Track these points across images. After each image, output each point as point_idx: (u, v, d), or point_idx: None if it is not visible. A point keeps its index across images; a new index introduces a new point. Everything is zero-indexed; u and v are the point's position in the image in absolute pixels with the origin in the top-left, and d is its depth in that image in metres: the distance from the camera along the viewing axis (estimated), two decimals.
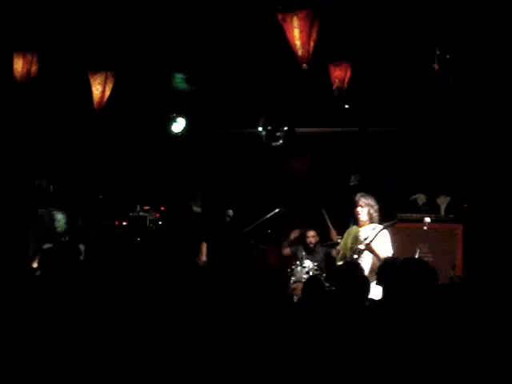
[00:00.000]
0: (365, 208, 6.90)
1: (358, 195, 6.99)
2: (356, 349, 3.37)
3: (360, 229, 6.90)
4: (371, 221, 6.88)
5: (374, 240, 6.58)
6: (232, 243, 8.42)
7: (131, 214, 10.02)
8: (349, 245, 6.93)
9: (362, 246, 6.60)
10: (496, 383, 3.09)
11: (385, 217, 8.34)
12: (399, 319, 3.59)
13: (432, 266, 4.03)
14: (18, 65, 7.09)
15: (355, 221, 7.00)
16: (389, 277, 4.36)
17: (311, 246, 8.71)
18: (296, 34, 6.12)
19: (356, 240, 6.82)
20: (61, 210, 8.15)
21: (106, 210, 9.97)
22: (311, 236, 8.75)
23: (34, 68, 7.12)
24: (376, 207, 6.91)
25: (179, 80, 8.78)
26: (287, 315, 3.86)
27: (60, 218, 8.02)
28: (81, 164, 9.98)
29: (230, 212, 9.10)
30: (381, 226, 6.77)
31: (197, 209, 9.47)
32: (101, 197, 10.18)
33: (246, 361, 3.29)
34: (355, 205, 6.93)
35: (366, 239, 6.63)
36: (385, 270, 4.84)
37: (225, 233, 8.68)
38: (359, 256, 6.61)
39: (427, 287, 3.83)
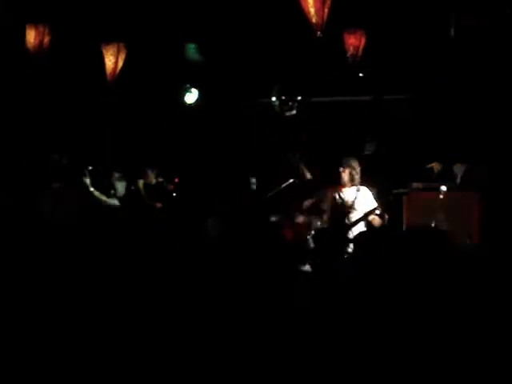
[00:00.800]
0: (347, 169, 7.20)
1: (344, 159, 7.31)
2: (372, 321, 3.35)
3: (342, 189, 7.22)
4: (353, 183, 7.20)
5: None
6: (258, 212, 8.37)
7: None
8: (328, 204, 7.33)
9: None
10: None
11: (398, 185, 8.37)
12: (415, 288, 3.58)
13: (444, 232, 4.01)
14: (31, 36, 7.08)
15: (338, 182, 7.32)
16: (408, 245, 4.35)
17: None
18: (310, 1, 6.06)
19: (342, 203, 7.22)
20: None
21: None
22: None
23: (46, 39, 7.11)
24: (358, 169, 7.23)
25: (192, 50, 8.74)
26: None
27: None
28: (94, 137, 9.97)
29: (254, 180, 9.11)
30: (364, 188, 7.14)
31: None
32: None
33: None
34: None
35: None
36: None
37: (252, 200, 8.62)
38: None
39: (444, 254, 3.82)
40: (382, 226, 7.18)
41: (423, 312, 3.29)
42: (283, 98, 9.53)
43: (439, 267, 3.62)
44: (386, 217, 7.27)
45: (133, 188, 8.93)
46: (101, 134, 10.00)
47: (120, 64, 7.60)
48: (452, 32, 6.41)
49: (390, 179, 9.07)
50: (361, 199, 7.16)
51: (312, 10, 6.07)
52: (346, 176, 7.23)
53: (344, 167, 7.22)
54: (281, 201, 8.74)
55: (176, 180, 10.06)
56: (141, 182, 8.99)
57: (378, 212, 7.21)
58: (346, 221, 7.19)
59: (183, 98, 9.57)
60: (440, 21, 6.63)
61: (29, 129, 9.62)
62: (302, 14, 6.10)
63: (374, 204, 7.17)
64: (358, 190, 7.17)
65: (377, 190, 8.90)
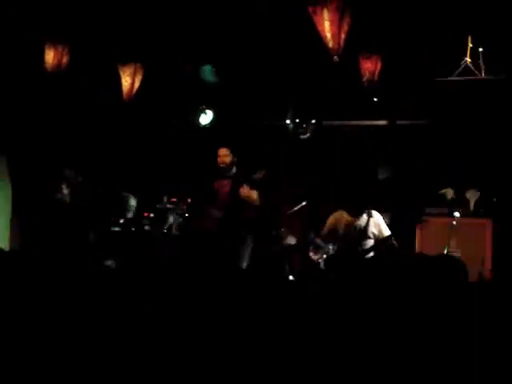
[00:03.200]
0: None
1: None
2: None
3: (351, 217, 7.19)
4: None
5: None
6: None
7: (158, 205, 10.05)
8: (341, 231, 7.23)
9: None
10: None
11: (411, 211, 8.37)
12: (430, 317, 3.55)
13: (462, 262, 3.99)
14: (50, 56, 7.16)
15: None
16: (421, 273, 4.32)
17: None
18: (326, 26, 6.10)
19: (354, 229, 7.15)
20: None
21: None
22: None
23: (64, 59, 7.19)
24: None
25: (208, 72, 8.78)
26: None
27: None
28: (109, 156, 10.03)
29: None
30: (376, 213, 7.10)
31: None
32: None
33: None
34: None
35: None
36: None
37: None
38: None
39: (457, 285, 3.79)
40: (394, 252, 7.16)
41: (435, 340, 3.28)
42: (297, 120, 9.57)
43: (453, 296, 3.60)
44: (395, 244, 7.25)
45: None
46: (115, 154, 10.05)
47: (137, 84, 7.66)
48: (468, 56, 6.42)
49: (403, 205, 9.07)
50: (372, 225, 7.13)
51: (328, 35, 6.11)
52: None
53: None
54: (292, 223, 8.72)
55: (189, 200, 10.08)
56: None
57: (392, 240, 7.16)
58: (359, 247, 7.14)
59: (198, 119, 9.61)
60: (455, 46, 6.63)
61: (44, 146, 9.68)
62: (319, 38, 6.14)
63: (387, 231, 7.10)
64: (369, 216, 7.12)
65: (390, 215, 8.91)
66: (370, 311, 3.59)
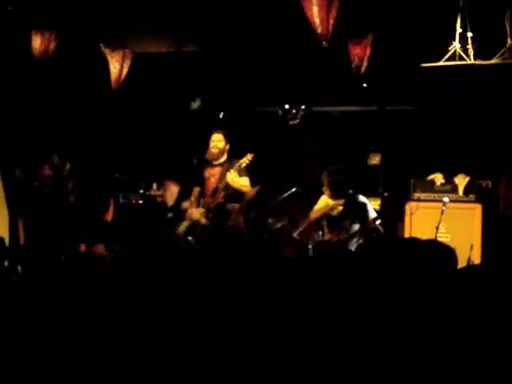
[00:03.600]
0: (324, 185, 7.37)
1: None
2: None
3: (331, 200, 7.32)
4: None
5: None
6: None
7: (147, 192, 10.05)
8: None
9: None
10: None
11: (402, 197, 8.39)
12: (419, 302, 3.56)
13: (452, 248, 4.00)
14: (37, 42, 7.11)
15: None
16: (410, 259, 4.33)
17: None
18: (315, 11, 6.08)
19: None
20: None
21: (123, 188, 10.01)
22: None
23: (52, 46, 7.14)
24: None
25: (197, 58, 8.77)
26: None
27: None
28: (98, 142, 9.99)
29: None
30: (361, 196, 7.25)
31: None
32: (117, 175, 10.21)
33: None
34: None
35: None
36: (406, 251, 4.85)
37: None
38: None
39: (448, 271, 3.80)
40: (381, 236, 7.22)
41: (423, 328, 3.28)
42: (287, 106, 9.56)
43: (443, 283, 3.60)
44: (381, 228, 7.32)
45: None
46: (104, 141, 10.02)
47: (125, 71, 7.61)
48: (456, 41, 6.42)
49: (393, 190, 9.10)
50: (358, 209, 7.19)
51: (317, 21, 6.09)
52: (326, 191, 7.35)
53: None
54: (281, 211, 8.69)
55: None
56: None
57: (378, 222, 7.23)
58: (344, 232, 7.18)
59: (188, 105, 9.58)
60: (445, 31, 6.63)
61: (29, 133, 9.64)
62: (308, 23, 6.12)
63: (373, 214, 7.19)
64: (355, 200, 7.19)
65: (381, 200, 8.95)
66: (359, 300, 3.60)
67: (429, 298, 3.51)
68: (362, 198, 7.33)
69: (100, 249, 7.32)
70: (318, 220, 7.68)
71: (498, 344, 3.04)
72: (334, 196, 7.31)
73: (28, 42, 7.18)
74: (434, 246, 4.25)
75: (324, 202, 7.45)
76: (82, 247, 7.77)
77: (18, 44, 7.51)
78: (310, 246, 7.97)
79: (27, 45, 7.19)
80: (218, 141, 7.35)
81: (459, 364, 2.99)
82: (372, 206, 7.74)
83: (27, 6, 6.94)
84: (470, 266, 5.16)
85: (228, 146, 7.38)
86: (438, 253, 3.91)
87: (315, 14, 6.10)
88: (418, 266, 3.90)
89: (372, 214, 7.25)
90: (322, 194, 7.81)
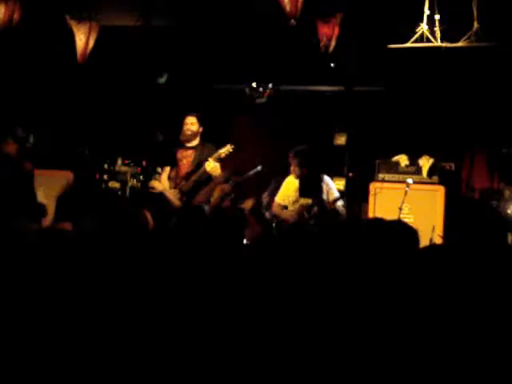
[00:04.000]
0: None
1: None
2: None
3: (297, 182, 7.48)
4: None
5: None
6: None
7: (112, 168, 9.98)
8: (293, 198, 7.53)
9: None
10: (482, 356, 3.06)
11: (367, 178, 8.44)
12: (383, 282, 3.58)
13: (414, 228, 4.03)
14: (0, 12, 6.98)
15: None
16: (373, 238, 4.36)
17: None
18: None
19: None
20: None
21: (89, 164, 9.91)
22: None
23: (16, 15, 7.01)
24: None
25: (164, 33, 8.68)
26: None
27: None
28: (62, 116, 9.87)
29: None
30: (326, 177, 7.45)
31: None
32: (81, 150, 10.10)
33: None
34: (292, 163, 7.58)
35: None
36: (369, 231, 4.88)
37: None
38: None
39: (409, 250, 3.83)
40: (342, 216, 7.30)
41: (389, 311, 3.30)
42: (254, 85, 9.53)
43: (408, 264, 3.63)
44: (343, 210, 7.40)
45: None
46: (68, 114, 9.90)
47: (91, 44, 7.50)
48: (425, 22, 6.44)
49: (358, 170, 9.15)
50: (324, 190, 7.25)
51: None
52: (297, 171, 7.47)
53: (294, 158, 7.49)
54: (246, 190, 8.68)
55: (144, 163, 10.02)
56: None
57: (340, 203, 7.31)
58: (305, 213, 7.26)
59: (154, 79, 9.50)
60: (413, 13, 6.65)
61: None
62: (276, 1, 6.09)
63: (335, 194, 7.26)
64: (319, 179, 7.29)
65: (345, 180, 8.98)
66: (320, 281, 3.61)
67: (391, 277, 3.54)
68: (327, 179, 7.39)
69: (67, 225, 7.23)
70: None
71: (458, 321, 3.09)
72: (300, 176, 7.36)
73: None
74: (396, 226, 4.29)
75: (290, 184, 7.52)
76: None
77: None
78: (273, 224, 8.02)
79: None
80: (191, 124, 7.45)
81: (422, 343, 3.03)
82: (336, 187, 7.79)
83: None
84: (431, 246, 5.22)
85: (201, 129, 7.47)
86: (401, 233, 3.95)
87: None
88: (380, 245, 3.93)
89: (334, 195, 7.30)
90: (287, 174, 7.84)
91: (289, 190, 7.68)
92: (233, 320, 3.21)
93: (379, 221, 4.99)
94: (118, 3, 8.28)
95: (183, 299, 3.36)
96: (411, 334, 3.06)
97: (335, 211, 7.19)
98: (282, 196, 7.77)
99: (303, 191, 7.30)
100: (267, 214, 8.07)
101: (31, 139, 9.84)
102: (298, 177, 7.49)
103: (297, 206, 7.43)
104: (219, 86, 9.88)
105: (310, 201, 7.36)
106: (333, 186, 7.47)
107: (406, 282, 3.44)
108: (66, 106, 9.79)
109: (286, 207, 7.72)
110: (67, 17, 7.45)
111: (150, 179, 8.67)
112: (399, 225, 4.45)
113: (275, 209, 7.75)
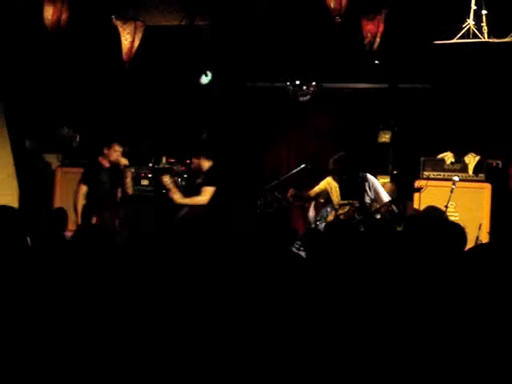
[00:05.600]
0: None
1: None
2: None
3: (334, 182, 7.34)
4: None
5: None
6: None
7: (156, 166, 10.05)
8: (336, 201, 7.34)
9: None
10: None
11: (412, 175, 8.37)
12: (428, 281, 3.54)
13: (461, 227, 3.99)
14: (49, 12, 7.09)
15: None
16: (416, 235, 4.32)
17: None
18: None
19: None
20: None
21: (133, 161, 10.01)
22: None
23: (64, 16, 7.11)
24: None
25: (208, 32, 8.73)
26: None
27: None
28: (108, 115, 9.99)
29: None
30: (370, 176, 7.21)
31: None
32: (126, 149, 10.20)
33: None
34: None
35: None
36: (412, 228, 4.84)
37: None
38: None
39: (457, 249, 3.79)
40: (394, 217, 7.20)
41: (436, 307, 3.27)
42: (298, 82, 9.51)
43: (453, 261, 3.59)
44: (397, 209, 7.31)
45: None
46: (114, 114, 10.02)
47: (136, 43, 7.58)
48: (471, 18, 6.35)
49: (403, 168, 9.08)
50: (368, 189, 7.17)
51: None
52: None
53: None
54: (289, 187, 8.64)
55: (187, 161, 10.07)
56: None
57: (393, 206, 7.22)
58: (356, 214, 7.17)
59: (198, 79, 9.54)
60: (460, 9, 6.56)
61: (39, 105, 9.66)
62: None
63: (386, 197, 7.14)
64: (364, 180, 7.18)
65: (390, 178, 8.91)
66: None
67: (439, 277, 3.51)
68: (372, 179, 7.29)
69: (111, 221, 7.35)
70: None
71: (505, 322, 3.05)
72: (341, 182, 7.30)
73: (40, 13, 7.16)
74: (444, 224, 4.26)
75: (327, 182, 7.48)
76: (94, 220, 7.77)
77: (29, 14, 7.49)
78: (318, 223, 7.99)
79: (39, 15, 7.17)
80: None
81: (466, 343, 3.00)
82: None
83: None
84: (478, 246, 5.16)
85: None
86: (449, 231, 3.92)
87: None
88: (428, 244, 3.90)
89: (380, 193, 7.21)
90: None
91: (330, 190, 7.55)
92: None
93: (431, 219, 4.94)
94: (162, 3, 8.33)
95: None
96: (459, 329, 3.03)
97: (393, 212, 7.10)
98: (317, 189, 7.68)
99: (345, 194, 7.22)
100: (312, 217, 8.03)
101: (77, 139, 10.02)
102: (338, 182, 7.42)
103: (345, 209, 7.31)
104: (262, 84, 9.88)
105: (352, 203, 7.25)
106: (377, 183, 7.39)
107: (454, 281, 3.41)
108: (111, 105, 9.91)
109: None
110: (113, 17, 7.52)
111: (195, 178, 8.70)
112: (448, 224, 4.41)
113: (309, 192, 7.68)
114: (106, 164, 7.90)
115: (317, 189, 7.58)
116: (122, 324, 3.18)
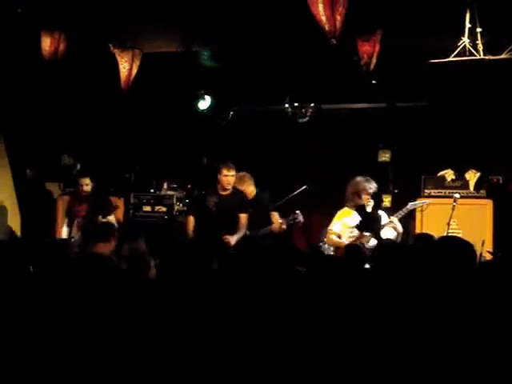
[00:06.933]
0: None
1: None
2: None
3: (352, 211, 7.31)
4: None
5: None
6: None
7: (158, 192, 10.07)
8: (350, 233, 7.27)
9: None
10: None
11: (413, 194, 8.36)
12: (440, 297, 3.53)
13: (471, 244, 4.00)
14: (46, 43, 7.13)
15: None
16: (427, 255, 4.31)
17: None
18: (320, 8, 6.03)
19: None
20: None
21: (134, 188, 10.04)
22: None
23: (61, 46, 7.15)
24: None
25: (205, 57, 8.76)
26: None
27: None
28: (108, 142, 10.03)
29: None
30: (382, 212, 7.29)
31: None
32: (127, 175, 10.23)
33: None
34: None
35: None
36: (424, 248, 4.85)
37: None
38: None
39: (467, 266, 3.80)
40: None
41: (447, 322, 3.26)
42: (296, 104, 9.54)
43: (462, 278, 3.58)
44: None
45: None
46: (113, 142, 10.05)
47: (134, 71, 7.62)
48: (466, 35, 6.38)
49: (403, 187, 9.08)
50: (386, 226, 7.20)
51: (323, 18, 6.04)
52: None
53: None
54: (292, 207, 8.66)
55: (189, 186, 10.09)
56: None
57: (394, 224, 7.18)
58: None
59: (196, 104, 9.58)
60: (454, 27, 6.60)
61: (39, 134, 9.71)
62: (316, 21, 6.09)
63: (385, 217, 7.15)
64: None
65: (391, 197, 8.90)
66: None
67: (451, 291, 3.50)
68: (381, 214, 7.27)
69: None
70: None
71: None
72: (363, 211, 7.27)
73: (37, 43, 7.20)
74: (453, 241, 4.26)
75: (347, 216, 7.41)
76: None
77: (27, 45, 7.54)
78: (321, 244, 7.96)
79: (37, 46, 7.21)
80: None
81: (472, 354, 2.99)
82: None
83: (36, 6, 6.95)
84: (481, 263, 5.15)
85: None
86: (458, 248, 3.92)
87: (321, 11, 6.05)
88: (438, 261, 3.89)
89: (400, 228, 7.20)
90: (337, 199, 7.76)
91: (345, 224, 7.44)
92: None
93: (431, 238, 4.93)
94: (159, 30, 8.38)
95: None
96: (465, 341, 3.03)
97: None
98: (338, 227, 7.52)
99: (364, 226, 7.14)
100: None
101: (78, 167, 10.04)
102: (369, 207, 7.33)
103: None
104: (261, 108, 9.92)
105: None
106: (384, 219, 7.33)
107: (462, 296, 3.41)
108: (110, 132, 9.95)
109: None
110: (111, 45, 7.57)
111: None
112: (455, 240, 4.41)
113: (331, 240, 7.53)
114: None
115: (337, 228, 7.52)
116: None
